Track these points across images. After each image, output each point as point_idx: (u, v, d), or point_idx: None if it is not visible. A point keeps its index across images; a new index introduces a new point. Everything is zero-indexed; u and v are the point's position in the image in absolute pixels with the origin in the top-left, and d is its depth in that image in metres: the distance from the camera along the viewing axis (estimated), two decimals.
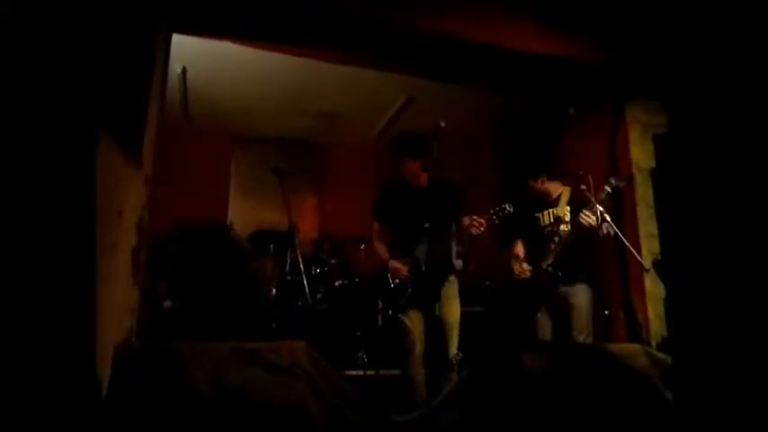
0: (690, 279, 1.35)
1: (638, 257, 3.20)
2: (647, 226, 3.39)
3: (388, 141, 3.37)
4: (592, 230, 3.16)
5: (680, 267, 1.38)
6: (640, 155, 3.51)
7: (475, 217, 2.93)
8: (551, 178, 3.51)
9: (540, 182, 3.49)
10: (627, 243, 3.19)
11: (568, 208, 3.41)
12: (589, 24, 3.23)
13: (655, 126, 3.45)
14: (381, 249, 3.25)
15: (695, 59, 1.42)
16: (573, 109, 4.07)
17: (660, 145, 1.61)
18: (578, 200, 3.39)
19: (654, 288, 3.28)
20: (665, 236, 1.59)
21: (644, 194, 3.44)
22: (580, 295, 3.27)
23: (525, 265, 3.34)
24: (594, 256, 3.55)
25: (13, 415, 1.31)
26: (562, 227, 3.35)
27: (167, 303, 3.43)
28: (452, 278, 3.14)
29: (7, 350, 1.34)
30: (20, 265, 1.40)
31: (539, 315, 3.27)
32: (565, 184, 3.54)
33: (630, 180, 3.30)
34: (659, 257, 3.16)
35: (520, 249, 3.47)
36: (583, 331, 3.21)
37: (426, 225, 2.99)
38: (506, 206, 2.98)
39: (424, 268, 3.00)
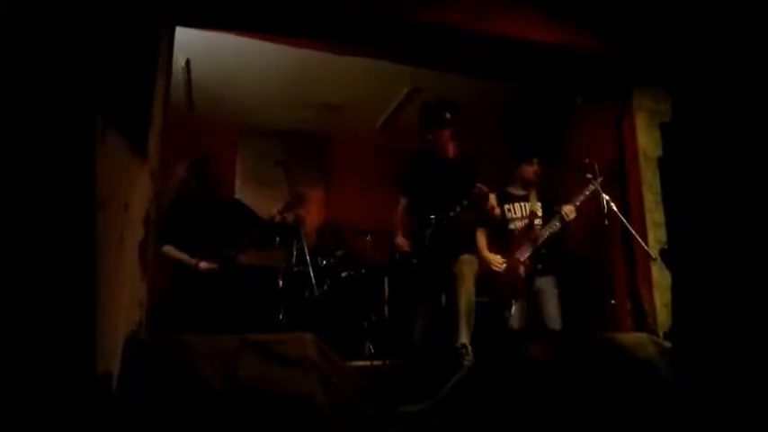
0: (696, 268, 1.34)
1: (645, 246, 3.20)
2: (654, 215, 3.38)
3: (419, 110, 3.29)
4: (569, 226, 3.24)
5: (686, 256, 1.38)
6: (647, 143, 3.48)
7: (479, 185, 2.92)
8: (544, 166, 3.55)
9: (534, 165, 3.51)
10: (633, 232, 3.19)
11: (539, 204, 3.44)
12: (593, 13, 3.20)
13: (662, 114, 3.42)
14: (397, 225, 3.19)
15: (701, 47, 1.40)
16: (580, 98, 4.05)
17: (667, 133, 1.60)
18: (548, 196, 3.45)
19: (661, 277, 3.27)
20: (671, 224, 1.59)
21: (651, 183, 3.42)
22: (550, 286, 3.36)
23: (499, 257, 3.36)
24: (600, 246, 3.57)
25: (16, 412, 1.32)
26: (536, 221, 3.39)
27: None
28: (467, 258, 3.10)
29: (8, 345, 1.35)
30: (18, 259, 1.41)
31: (515, 306, 3.31)
32: (568, 173, 3.56)
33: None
34: (666, 246, 3.17)
35: (482, 239, 3.47)
36: (555, 319, 3.27)
37: (442, 202, 2.94)
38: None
39: (428, 243, 2.94)
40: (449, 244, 2.98)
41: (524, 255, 3.31)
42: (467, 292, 2.97)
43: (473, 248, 3.21)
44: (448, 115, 3.16)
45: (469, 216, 3.05)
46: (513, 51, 3.23)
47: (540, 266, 3.31)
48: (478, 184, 2.90)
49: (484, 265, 3.34)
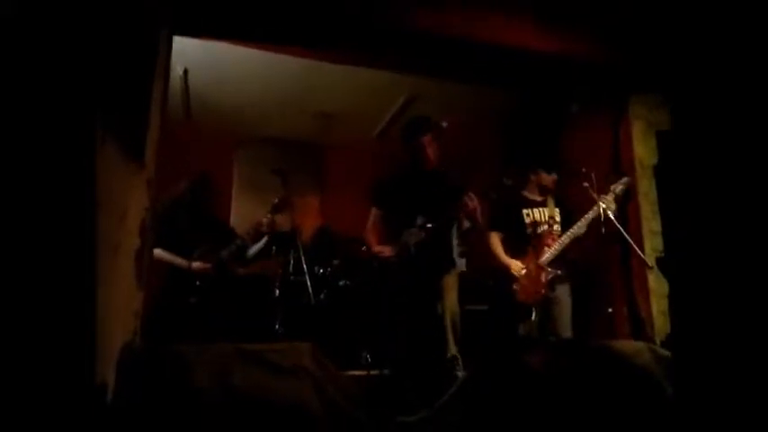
0: (693, 276, 1.34)
1: (641, 254, 3.20)
2: (650, 223, 3.38)
3: (400, 130, 3.37)
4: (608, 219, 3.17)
5: (683, 264, 1.38)
6: (643, 151, 3.49)
7: (470, 194, 2.94)
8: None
9: (553, 175, 3.49)
10: (630, 240, 3.18)
11: (557, 209, 3.43)
12: (591, 22, 3.22)
13: (658, 122, 3.43)
14: (372, 236, 3.21)
15: (698, 57, 1.41)
16: (576, 106, 4.06)
17: (663, 142, 1.61)
18: (565, 201, 3.45)
19: (657, 285, 3.27)
20: (668, 233, 1.59)
21: (647, 191, 3.43)
22: (566, 294, 3.32)
23: (519, 263, 3.34)
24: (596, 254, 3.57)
25: (14, 419, 1.31)
26: (555, 227, 3.38)
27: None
28: (451, 270, 3.10)
29: (7, 353, 1.34)
30: (19, 266, 1.40)
31: (535, 313, 3.27)
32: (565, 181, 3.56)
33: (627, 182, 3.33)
34: (662, 254, 3.17)
35: (498, 244, 3.45)
36: (567, 328, 3.23)
37: (422, 217, 2.96)
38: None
39: (413, 250, 2.94)
40: (433, 254, 2.99)
41: (546, 259, 3.28)
42: (450, 304, 2.98)
43: (455, 261, 3.20)
44: (445, 124, 3.17)
45: (458, 224, 3.10)
46: (510, 59, 3.24)
47: (559, 272, 3.28)
48: (469, 193, 2.92)
49: (502, 270, 3.32)
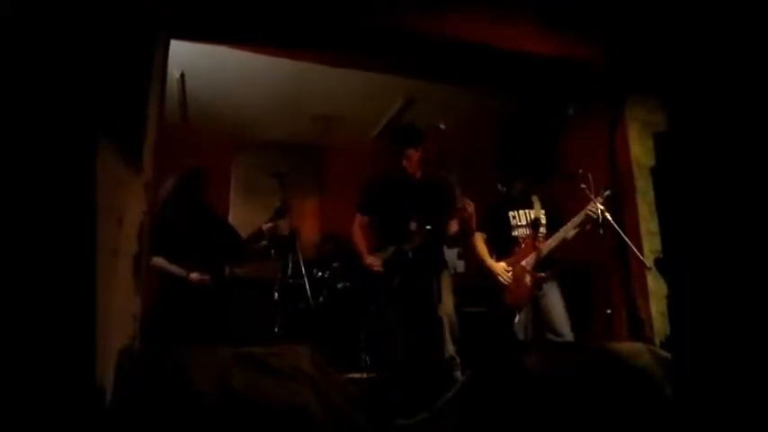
0: (691, 276, 1.34)
1: (640, 255, 3.20)
2: (648, 223, 3.39)
3: (388, 135, 3.43)
4: (595, 224, 3.17)
5: (681, 265, 1.38)
6: (640, 152, 3.50)
7: (467, 199, 3.02)
8: (540, 179, 3.55)
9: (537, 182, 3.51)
10: (628, 241, 3.19)
11: (543, 211, 3.43)
12: (589, 24, 3.23)
13: (654, 124, 3.44)
14: (361, 245, 3.23)
15: (695, 58, 1.42)
16: (572, 108, 4.07)
17: (660, 143, 1.62)
18: (552, 203, 3.44)
19: (656, 286, 3.27)
20: (666, 233, 1.59)
21: (644, 192, 3.43)
22: (554, 290, 3.31)
23: (503, 265, 3.34)
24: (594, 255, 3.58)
25: (15, 421, 1.31)
26: (541, 229, 3.38)
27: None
28: (444, 273, 3.13)
29: (8, 356, 1.34)
30: (20, 270, 1.40)
31: (519, 315, 3.26)
32: (563, 183, 3.56)
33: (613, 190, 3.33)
34: (661, 255, 3.16)
35: (482, 246, 3.45)
36: (563, 323, 3.23)
37: (414, 221, 3.00)
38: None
39: (411, 255, 2.97)
40: (429, 256, 3.00)
41: (531, 262, 3.28)
42: (446, 308, 3.00)
43: (446, 262, 3.24)
44: (442, 126, 3.19)
45: (451, 228, 3.13)
46: (509, 61, 3.25)
47: (544, 274, 3.27)
48: (466, 199, 2.96)
49: (487, 274, 3.33)
